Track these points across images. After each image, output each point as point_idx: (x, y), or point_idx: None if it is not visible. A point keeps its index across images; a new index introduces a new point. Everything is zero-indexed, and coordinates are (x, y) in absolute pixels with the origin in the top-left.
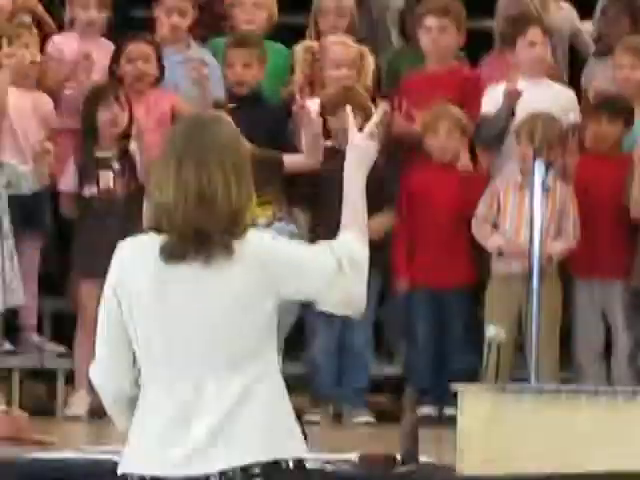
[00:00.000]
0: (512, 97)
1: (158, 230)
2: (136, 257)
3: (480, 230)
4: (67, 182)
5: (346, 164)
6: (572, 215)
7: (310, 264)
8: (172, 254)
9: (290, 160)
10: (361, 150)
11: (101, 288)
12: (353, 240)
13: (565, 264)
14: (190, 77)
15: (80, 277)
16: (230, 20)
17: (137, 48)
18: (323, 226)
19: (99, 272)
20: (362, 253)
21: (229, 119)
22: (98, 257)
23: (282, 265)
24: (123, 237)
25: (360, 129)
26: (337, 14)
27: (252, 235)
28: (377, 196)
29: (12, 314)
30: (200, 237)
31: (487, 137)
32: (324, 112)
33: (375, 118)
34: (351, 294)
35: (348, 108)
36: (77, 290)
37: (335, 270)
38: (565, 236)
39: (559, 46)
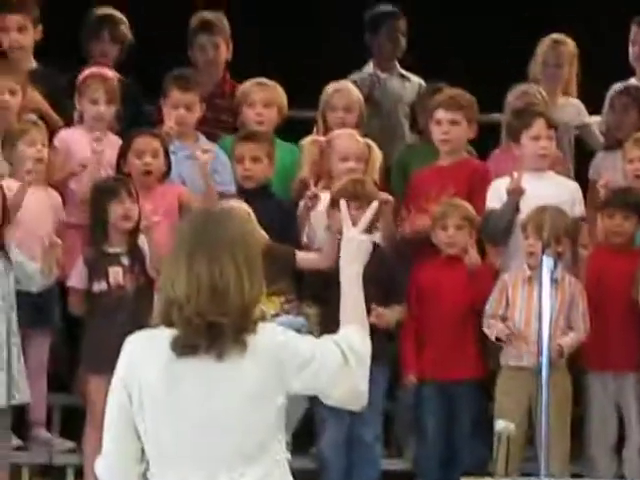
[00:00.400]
0: (515, 194)
1: (168, 325)
2: (146, 350)
3: (490, 327)
4: (76, 279)
5: (341, 259)
6: (581, 308)
7: (319, 359)
8: (184, 348)
9: (304, 258)
10: (355, 244)
11: (110, 384)
12: (355, 334)
13: (576, 357)
14: (196, 164)
15: (88, 373)
16: (240, 118)
17: (145, 143)
18: (333, 320)
19: (108, 368)
20: (365, 346)
21: (242, 212)
22: (107, 353)
23: (293, 360)
24: (132, 332)
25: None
26: (345, 109)
27: (263, 329)
28: (388, 290)
29: (21, 410)
30: (212, 330)
31: (493, 233)
32: (334, 206)
33: (369, 213)
34: (356, 388)
35: (342, 202)
36: (86, 386)
37: (341, 364)
38: (575, 329)
39: (565, 139)
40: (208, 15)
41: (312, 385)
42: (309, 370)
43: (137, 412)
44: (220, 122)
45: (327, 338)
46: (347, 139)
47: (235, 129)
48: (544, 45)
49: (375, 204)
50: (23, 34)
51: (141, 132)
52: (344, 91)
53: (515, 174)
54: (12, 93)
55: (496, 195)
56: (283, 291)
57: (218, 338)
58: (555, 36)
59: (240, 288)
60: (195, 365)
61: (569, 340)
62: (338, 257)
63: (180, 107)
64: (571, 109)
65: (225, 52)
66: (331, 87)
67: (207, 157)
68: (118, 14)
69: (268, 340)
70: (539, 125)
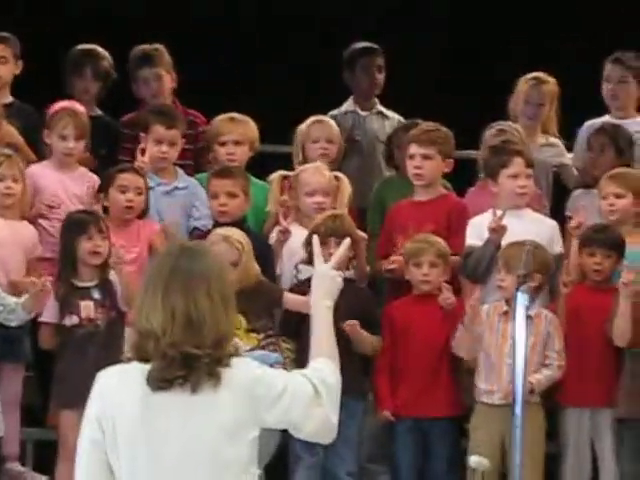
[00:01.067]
0: (498, 233)
1: (142, 358)
2: (119, 385)
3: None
4: (48, 313)
5: (312, 293)
6: (557, 344)
7: (290, 392)
8: (160, 381)
9: (291, 300)
10: (327, 279)
11: (81, 417)
12: (325, 366)
13: (551, 392)
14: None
15: (60, 407)
16: (211, 154)
17: (130, 179)
18: (308, 355)
19: (79, 402)
20: (335, 378)
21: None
22: (78, 387)
23: (267, 395)
24: (103, 366)
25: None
26: (327, 141)
27: (239, 363)
28: (363, 324)
29: None
30: (187, 362)
31: (474, 270)
32: (306, 242)
33: (342, 249)
34: (327, 420)
35: (315, 237)
36: (58, 420)
37: (312, 397)
38: (549, 366)
39: (543, 177)
40: (146, 48)
41: (284, 418)
42: (281, 404)
43: (111, 448)
44: (182, 151)
45: (298, 372)
46: (313, 173)
47: (195, 156)
48: (526, 83)
49: (348, 241)
50: (3, 65)
51: (125, 168)
52: (325, 123)
53: (496, 212)
54: None
55: (476, 232)
56: (264, 328)
57: (193, 370)
58: (537, 74)
59: (216, 320)
60: (170, 399)
61: (541, 377)
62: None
63: (164, 143)
64: (551, 148)
65: (169, 83)
66: (311, 119)
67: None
68: (100, 49)
69: (243, 374)
70: (518, 164)
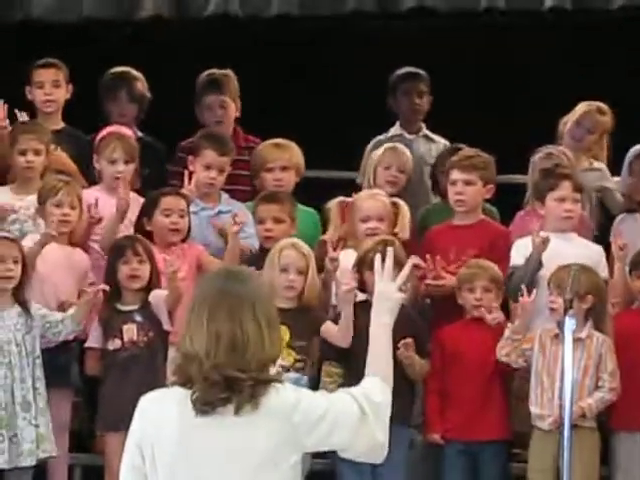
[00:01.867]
0: (540, 246)
1: (185, 382)
2: (160, 410)
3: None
4: (93, 338)
5: (373, 312)
6: (610, 366)
7: (335, 414)
8: (203, 404)
9: (326, 329)
10: (388, 298)
11: (122, 436)
12: (375, 385)
13: (606, 416)
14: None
15: (104, 431)
16: (258, 180)
17: (173, 203)
18: (355, 380)
19: (123, 425)
20: (384, 398)
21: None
22: (122, 410)
23: (306, 419)
24: (146, 389)
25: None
26: (398, 169)
27: (276, 389)
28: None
29: (42, 471)
30: (230, 386)
31: (517, 288)
32: (360, 266)
33: (405, 271)
34: (375, 440)
35: (378, 257)
36: (104, 445)
37: (358, 418)
38: (601, 388)
39: (588, 202)
40: (215, 73)
41: (327, 441)
42: (323, 427)
43: (151, 473)
44: (239, 177)
45: (344, 391)
46: (367, 199)
47: (252, 181)
48: (584, 107)
49: (410, 263)
50: (57, 90)
51: (169, 192)
52: (399, 150)
53: (540, 231)
54: (36, 153)
55: (520, 253)
56: (303, 349)
57: (235, 393)
58: (599, 104)
59: (261, 344)
60: (209, 422)
61: (592, 402)
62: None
63: (213, 169)
64: (593, 173)
65: (234, 110)
66: (385, 146)
67: (237, 228)
68: (134, 71)
69: (281, 400)
70: (565, 187)
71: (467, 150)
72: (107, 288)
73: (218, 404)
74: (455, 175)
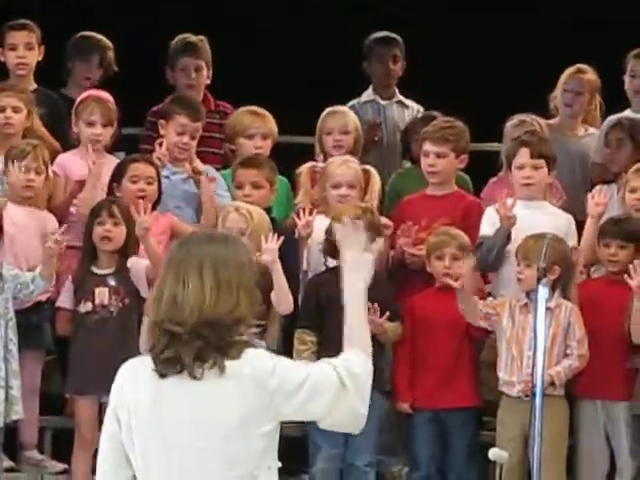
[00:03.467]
0: (507, 223)
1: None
2: (135, 376)
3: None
4: (64, 299)
5: (345, 276)
6: (578, 334)
7: (314, 382)
8: (158, 363)
9: (273, 295)
10: (360, 262)
11: (95, 405)
12: (355, 356)
13: (573, 384)
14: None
15: (72, 394)
16: (235, 146)
17: (141, 169)
18: (330, 347)
19: (92, 389)
20: (364, 369)
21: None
22: (89, 375)
23: (282, 386)
24: (115, 355)
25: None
26: (341, 132)
27: (248, 355)
28: (383, 311)
29: (12, 431)
30: (173, 343)
31: (485, 259)
32: (331, 232)
33: (377, 245)
34: (354, 411)
35: (347, 220)
36: (74, 407)
37: (338, 388)
38: (570, 356)
39: (580, 169)
40: (191, 37)
41: (304, 409)
42: (300, 395)
43: (127, 439)
44: (209, 139)
45: (324, 361)
46: (338, 165)
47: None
48: (566, 72)
49: (382, 241)
50: (30, 52)
51: (137, 158)
52: (339, 113)
53: (507, 200)
54: (15, 111)
55: (489, 221)
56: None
57: (181, 351)
58: (578, 65)
59: (200, 302)
60: (176, 388)
61: (561, 369)
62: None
63: (186, 134)
64: (591, 139)
65: (207, 75)
66: (326, 111)
67: (213, 186)
68: (107, 41)
69: (255, 365)
70: (523, 154)
71: (440, 121)
72: (64, 237)
73: (167, 365)
74: (427, 147)
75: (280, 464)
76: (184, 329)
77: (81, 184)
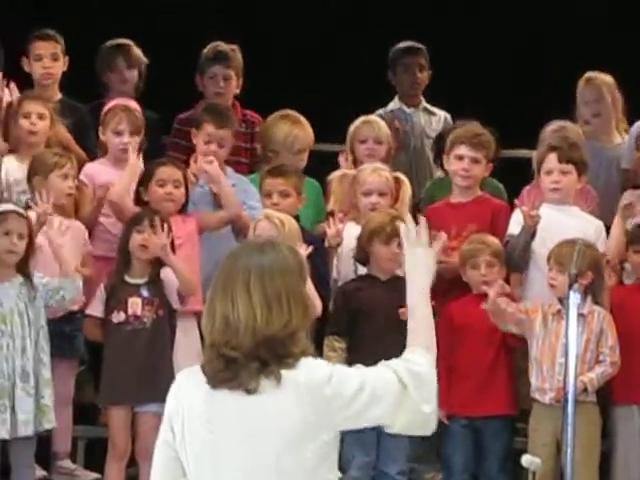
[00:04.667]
0: (529, 221)
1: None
2: (189, 384)
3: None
4: (94, 306)
5: (408, 278)
6: (611, 340)
7: (372, 387)
8: (211, 378)
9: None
10: (422, 260)
11: (128, 414)
12: (417, 356)
13: (605, 390)
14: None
15: (105, 404)
16: (265, 158)
17: (168, 173)
18: (359, 354)
19: (124, 399)
20: (427, 369)
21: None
22: (122, 385)
23: (339, 394)
24: (147, 366)
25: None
26: (375, 141)
27: (304, 363)
28: None
29: (45, 440)
30: (228, 364)
31: (510, 258)
32: (364, 240)
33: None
34: (419, 413)
35: (410, 219)
36: (107, 417)
37: (399, 391)
38: (603, 362)
39: (617, 177)
40: (223, 46)
41: (365, 416)
42: (359, 401)
43: (180, 447)
44: (237, 148)
45: (383, 364)
46: (370, 173)
47: (251, 154)
48: (579, 87)
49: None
50: (55, 63)
51: (164, 162)
52: (373, 123)
53: (532, 207)
54: (41, 118)
55: (517, 221)
56: None
57: (237, 372)
58: (586, 75)
59: (252, 321)
60: (229, 399)
61: (593, 376)
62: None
63: (213, 142)
64: (624, 144)
65: (236, 84)
66: (360, 120)
67: (213, 167)
68: (128, 41)
69: (309, 375)
70: (551, 159)
71: (475, 126)
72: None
73: (223, 381)
74: (463, 151)
75: (340, 475)
76: (240, 353)
77: (107, 190)
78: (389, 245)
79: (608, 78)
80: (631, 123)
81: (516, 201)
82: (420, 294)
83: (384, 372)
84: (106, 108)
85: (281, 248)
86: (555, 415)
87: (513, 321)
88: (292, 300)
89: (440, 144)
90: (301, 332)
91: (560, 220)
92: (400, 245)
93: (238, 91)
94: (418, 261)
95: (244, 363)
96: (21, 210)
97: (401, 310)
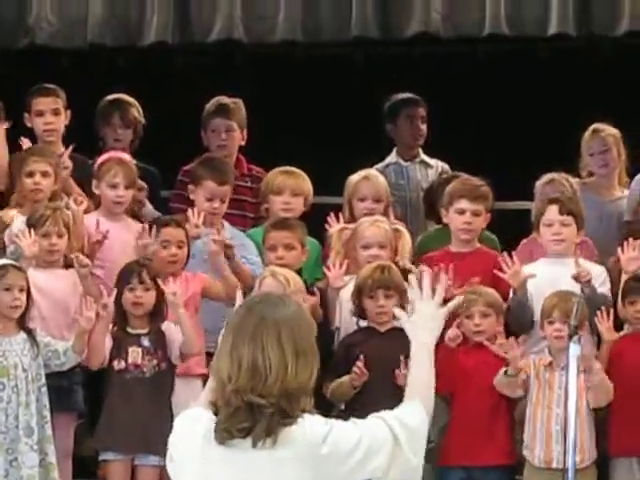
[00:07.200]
0: (518, 285)
1: (213, 409)
2: (189, 431)
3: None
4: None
5: (412, 332)
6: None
7: (368, 442)
8: (224, 431)
9: None
10: (432, 318)
11: (127, 467)
12: (412, 410)
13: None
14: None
15: (102, 449)
16: (267, 205)
17: (172, 234)
18: (359, 408)
19: (120, 447)
20: (419, 423)
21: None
22: (119, 432)
23: (338, 449)
24: (146, 416)
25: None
26: (374, 199)
27: (304, 421)
28: None
29: None
30: (251, 412)
31: (519, 322)
32: (360, 294)
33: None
34: (409, 465)
35: (412, 277)
36: (106, 470)
37: (391, 446)
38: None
39: (613, 229)
40: (225, 99)
41: (363, 468)
42: (356, 456)
43: None
44: (240, 202)
45: (377, 416)
46: (369, 226)
47: (256, 209)
48: (585, 138)
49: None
50: (57, 117)
51: (168, 222)
52: (373, 180)
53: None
54: (44, 175)
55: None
56: None
57: (257, 422)
58: (593, 126)
59: (283, 371)
60: (227, 455)
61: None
62: None
63: (215, 200)
64: (625, 201)
65: (239, 137)
66: (358, 175)
67: (217, 248)
68: (128, 98)
69: (306, 433)
70: (552, 211)
71: (470, 179)
72: (107, 311)
73: (237, 434)
74: (464, 205)
75: None
76: (268, 401)
77: (98, 245)
78: (373, 299)
79: (614, 130)
80: (631, 176)
81: (514, 254)
82: (422, 348)
83: (379, 426)
84: (100, 160)
85: (298, 304)
86: (546, 478)
87: (520, 384)
88: (313, 355)
89: (430, 197)
90: (311, 387)
91: (559, 274)
92: (388, 297)
93: (243, 143)
94: (427, 317)
95: (267, 412)
96: (18, 264)
97: (397, 372)
